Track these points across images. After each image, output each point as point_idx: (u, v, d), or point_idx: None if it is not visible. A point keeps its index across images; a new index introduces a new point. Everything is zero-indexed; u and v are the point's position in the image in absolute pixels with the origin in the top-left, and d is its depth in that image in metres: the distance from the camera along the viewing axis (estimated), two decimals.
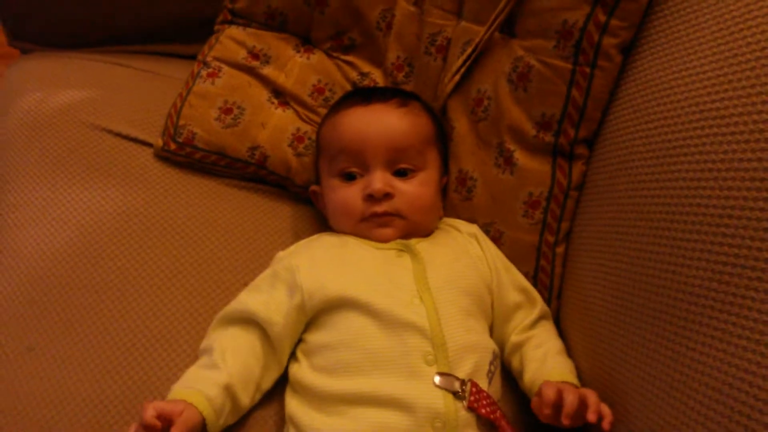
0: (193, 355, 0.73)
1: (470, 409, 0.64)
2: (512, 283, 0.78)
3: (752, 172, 0.52)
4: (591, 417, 0.61)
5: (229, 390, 0.66)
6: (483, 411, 0.64)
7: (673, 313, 0.57)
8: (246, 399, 0.68)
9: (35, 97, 0.93)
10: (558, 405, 0.63)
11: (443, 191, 0.85)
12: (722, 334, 0.52)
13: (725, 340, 0.52)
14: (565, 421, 0.61)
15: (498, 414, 0.65)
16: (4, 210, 0.85)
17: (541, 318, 0.77)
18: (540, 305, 0.77)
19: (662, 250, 0.59)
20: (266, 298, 0.72)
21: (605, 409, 0.62)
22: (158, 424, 0.59)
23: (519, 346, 0.75)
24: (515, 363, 0.75)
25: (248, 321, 0.72)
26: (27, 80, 0.98)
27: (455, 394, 0.64)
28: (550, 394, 0.63)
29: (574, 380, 0.70)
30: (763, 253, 0.50)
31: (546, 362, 0.72)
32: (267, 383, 0.72)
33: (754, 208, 0.51)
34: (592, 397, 0.63)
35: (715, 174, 0.55)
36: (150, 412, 0.59)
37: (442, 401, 0.64)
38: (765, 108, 0.52)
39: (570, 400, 0.62)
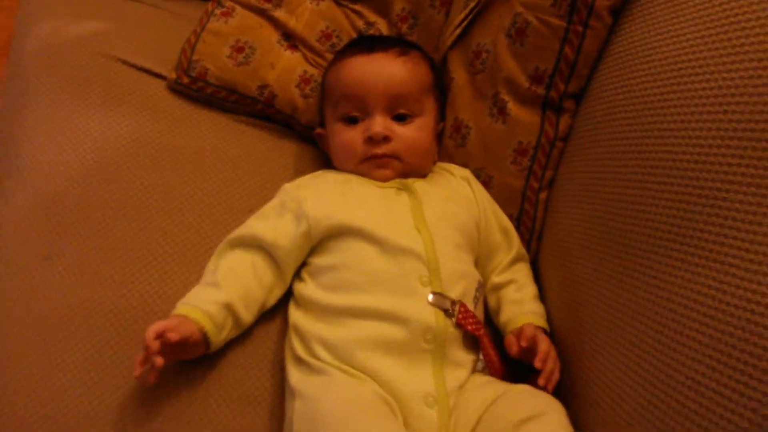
0: (202, 271, 0.78)
1: (458, 326, 0.72)
2: (497, 224, 0.85)
3: (718, 123, 0.59)
4: (541, 382, 0.71)
5: (229, 308, 0.72)
6: (469, 328, 0.72)
7: (640, 247, 0.65)
8: (248, 316, 0.75)
9: (51, 26, 0.96)
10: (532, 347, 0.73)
11: (439, 137, 0.91)
12: (681, 264, 0.59)
13: (683, 269, 0.59)
14: (539, 364, 0.71)
15: (482, 332, 0.73)
16: (22, 131, 0.89)
17: (517, 260, 0.85)
18: (516, 247, 0.85)
19: (635, 192, 0.66)
20: (273, 224, 0.78)
21: (555, 375, 0.72)
22: (157, 346, 0.65)
23: (497, 288, 0.83)
24: (492, 302, 0.83)
25: (254, 244, 0.78)
26: (43, 10, 1.00)
27: (446, 312, 0.72)
28: (529, 332, 0.74)
29: (544, 324, 0.79)
30: (721, 193, 0.57)
31: (522, 306, 0.80)
32: (271, 301, 0.78)
33: (717, 154, 0.58)
34: (550, 363, 0.72)
35: (686, 125, 0.62)
36: (150, 335, 0.65)
37: (433, 317, 0.71)
38: (734, 66, 0.59)
39: (543, 347, 0.73)
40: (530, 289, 0.83)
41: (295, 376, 0.71)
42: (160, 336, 0.66)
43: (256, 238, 0.77)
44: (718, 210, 0.57)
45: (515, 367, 0.77)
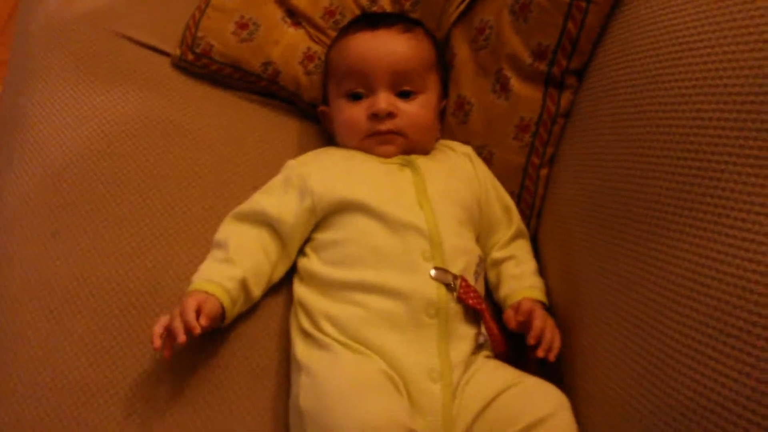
0: (207, 246, 0.79)
1: (459, 300, 0.73)
2: (498, 200, 0.86)
3: (717, 96, 0.59)
4: (540, 353, 0.72)
5: (243, 283, 0.74)
6: (471, 302, 0.73)
7: (639, 219, 0.65)
8: (257, 291, 0.76)
9: (57, 2, 0.97)
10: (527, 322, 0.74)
11: (441, 115, 0.92)
12: (679, 235, 0.60)
13: (681, 240, 0.60)
14: (532, 341, 0.73)
15: (483, 306, 0.74)
16: (29, 107, 0.90)
17: (517, 236, 0.86)
18: (517, 224, 0.86)
19: (636, 165, 0.67)
20: (278, 200, 0.79)
21: (555, 343, 0.73)
22: (198, 330, 0.66)
23: (497, 263, 0.84)
24: (492, 277, 0.84)
25: (260, 220, 0.79)
26: None
27: (447, 286, 0.73)
28: (525, 307, 0.75)
29: (543, 298, 0.80)
30: (720, 165, 0.58)
31: (521, 280, 0.81)
32: (277, 276, 0.79)
33: (716, 127, 0.59)
34: (548, 333, 0.73)
35: (686, 99, 0.63)
36: (192, 315, 0.66)
37: (435, 291, 0.72)
38: (735, 40, 0.59)
39: (537, 324, 0.73)
40: (530, 264, 0.84)
41: (300, 348, 0.72)
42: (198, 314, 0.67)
43: (263, 213, 0.78)
44: (717, 182, 0.58)
45: (518, 340, 0.78)
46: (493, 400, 0.68)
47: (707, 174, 0.59)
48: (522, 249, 0.85)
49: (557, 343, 0.73)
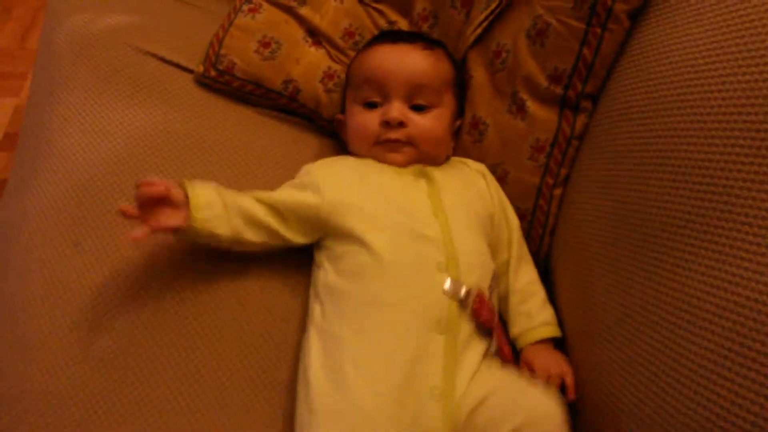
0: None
1: (472, 316, 0.74)
2: (506, 220, 0.88)
3: (732, 123, 0.61)
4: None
5: (219, 192, 0.76)
6: (482, 319, 0.74)
7: (654, 241, 0.67)
8: (249, 231, 0.77)
9: (83, 17, 0.99)
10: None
11: (456, 134, 0.94)
12: (695, 257, 0.62)
13: (696, 262, 0.62)
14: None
15: (496, 321, 0.76)
16: (54, 120, 0.91)
17: (520, 259, 0.87)
18: (516, 242, 0.87)
19: (651, 189, 0.69)
20: (292, 192, 0.82)
21: (568, 380, 0.76)
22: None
23: (504, 298, 0.85)
24: (502, 310, 0.85)
25: (272, 206, 0.80)
26: (73, 3, 1.03)
27: (460, 301, 0.74)
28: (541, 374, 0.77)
29: (556, 330, 0.82)
30: (734, 190, 0.59)
31: (532, 319, 0.83)
32: (271, 223, 0.79)
33: (731, 153, 0.60)
34: (569, 379, 0.76)
35: (701, 125, 0.64)
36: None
37: (446, 308, 0.73)
38: (749, 70, 0.61)
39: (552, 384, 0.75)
40: (537, 298, 0.85)
41: (314, 365, 0.72)
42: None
43: (277, 200, 0.80)
44: (731, 207, 0.59)
45: None
46: (484, 399, 0.69)
47: (722, 198, 0.61)
48: (526, 280, 0.86)
49: (562, 381, 0.76)
